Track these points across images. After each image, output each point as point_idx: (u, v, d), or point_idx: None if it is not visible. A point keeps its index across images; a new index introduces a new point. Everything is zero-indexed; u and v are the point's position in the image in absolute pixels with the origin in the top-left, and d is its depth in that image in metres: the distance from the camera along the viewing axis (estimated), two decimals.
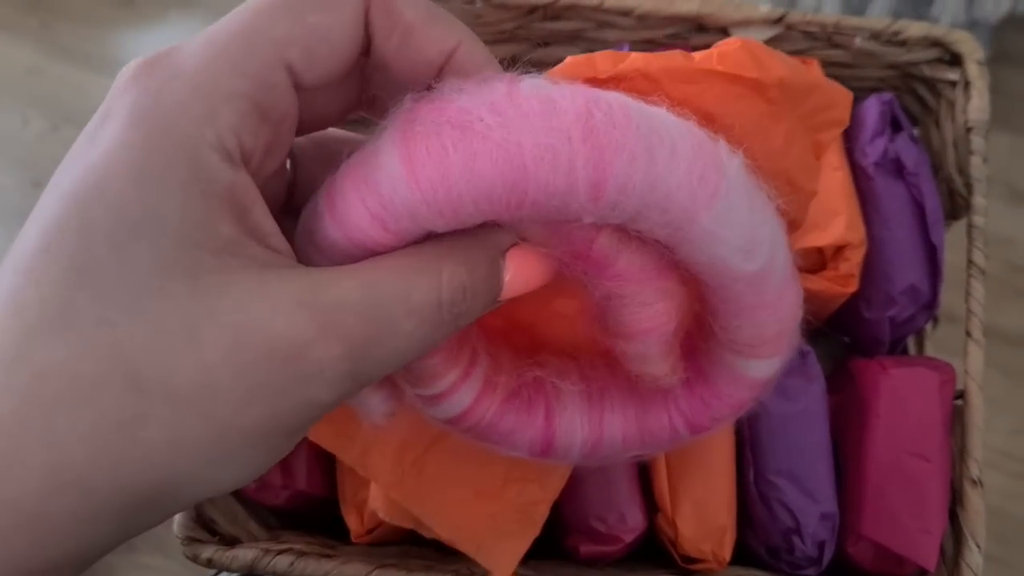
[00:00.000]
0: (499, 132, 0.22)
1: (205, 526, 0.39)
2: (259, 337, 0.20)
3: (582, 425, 0.30)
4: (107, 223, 0.20)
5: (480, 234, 0.24)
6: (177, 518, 0.38)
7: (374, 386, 0.28)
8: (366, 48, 0.24)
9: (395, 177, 0.22)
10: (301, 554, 0.38)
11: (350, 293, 0.21)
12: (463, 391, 0.29)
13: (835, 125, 0.32)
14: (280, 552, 0.38)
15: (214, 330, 0.20)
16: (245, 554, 0.38)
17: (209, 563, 0.38)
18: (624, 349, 0.28)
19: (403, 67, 0.24)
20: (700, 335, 0.29)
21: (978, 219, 0.43)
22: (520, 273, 0.25)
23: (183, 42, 0.22)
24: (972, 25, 0.95)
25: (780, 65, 0.29)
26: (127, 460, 0.20)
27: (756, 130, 0.28)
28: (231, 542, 0.39)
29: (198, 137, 0.20)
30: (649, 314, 0.27)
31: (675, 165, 0.23)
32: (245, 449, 0.21)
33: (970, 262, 0.42)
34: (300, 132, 0.25)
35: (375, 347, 0.22)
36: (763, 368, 0.29)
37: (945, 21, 0.89)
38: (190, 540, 0.38)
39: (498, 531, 0.36)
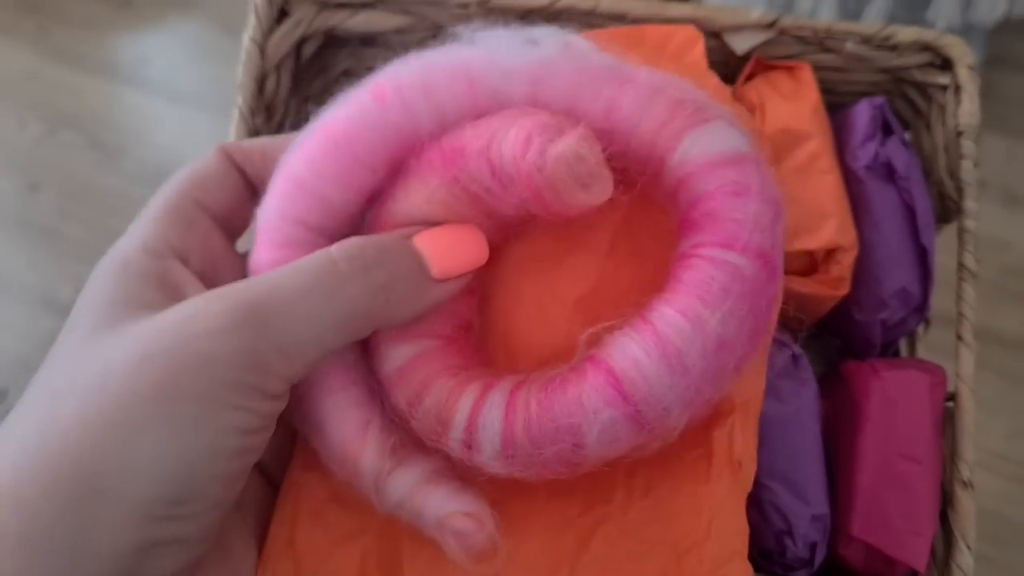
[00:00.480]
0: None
1: None
2: (150, 326, 0.24)
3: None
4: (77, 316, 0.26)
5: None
6: None
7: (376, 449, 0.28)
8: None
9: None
10: None
11: (238, 281, 0.25)
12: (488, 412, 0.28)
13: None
14: None
15: (116, 339, 0.24)
16: None
17: None
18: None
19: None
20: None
21: (969, 223, 0.43)
22: (444, 239, 0.27)
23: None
24: (968, 29, 0.96)
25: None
26: (45, 457, 0.22)
27: None
28: None
29: (128, 250, 0.27)
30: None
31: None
32: (151, 418, 0.22)
33: (961, 265, 0.42)
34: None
35: (262, 303, 0.24)
36: None
37: (941, 25, 0.89)
38: None
39: None
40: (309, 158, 0.27)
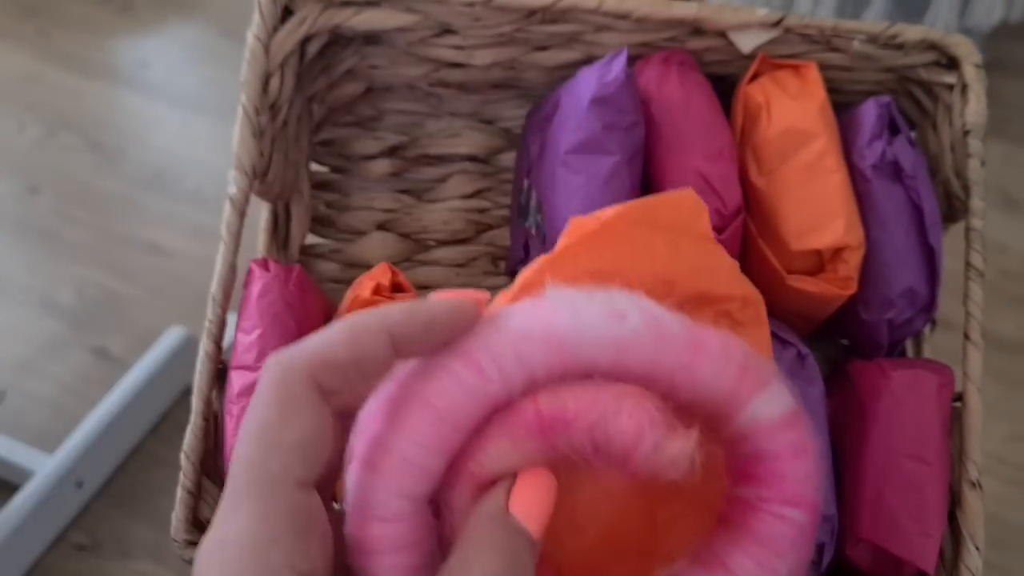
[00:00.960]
0: None
1: (200, 528, 0.39)
2: None
3: None
4: None
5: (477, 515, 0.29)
6: (172, 521, 0.38)
7: None
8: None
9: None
10: None
11: None
12: None
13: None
14: None
15: None
16: None
17: None
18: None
19: None
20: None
21: (976, 222, 0.43)
22: (536, 500, 0.29)
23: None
24: (965, 33, 0.96)
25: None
26: None
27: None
28: None
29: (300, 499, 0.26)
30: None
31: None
32: None
33: (968, 264, 0.42)
34: None
35: None
36: None
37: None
38: (186, 543, 0.38)
39: None
40: (412, 431, 0.28)
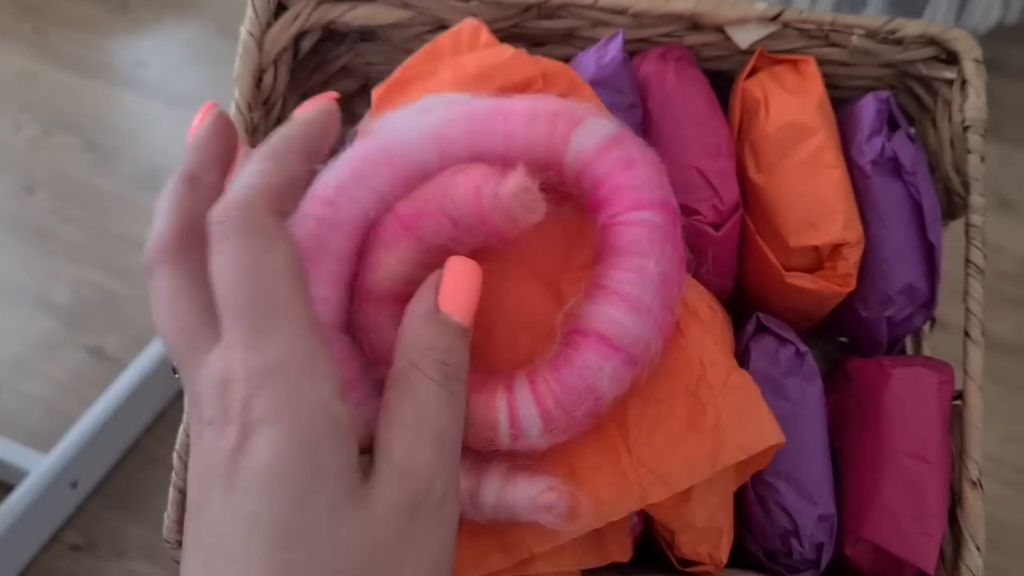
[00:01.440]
0: None
1: None
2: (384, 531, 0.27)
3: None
4: (289, 496, 0.25)
5: (408, 313, 0.31)
6: (165, 521, 0.38)
7: None
8: None
9: None
10: None
11: (404, 458, 0.28)
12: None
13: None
14: None
15: (365, 527, 0.27)
16: None
17: None
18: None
19: None
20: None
21: (975, 218, 0.42)
22: (462, 288, 0.31)
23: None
24: None
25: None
26: None
27: None
28: None
29: (328, 398, 0.27)
30: None
31: None
32: None
33: (968, 261, 0.41)
34: None
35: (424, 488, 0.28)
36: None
37: None
38: (178, 543, 0.38)
39: None
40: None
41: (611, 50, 0.43)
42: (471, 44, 0.41)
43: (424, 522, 0.27)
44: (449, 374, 0.29)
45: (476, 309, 0.31)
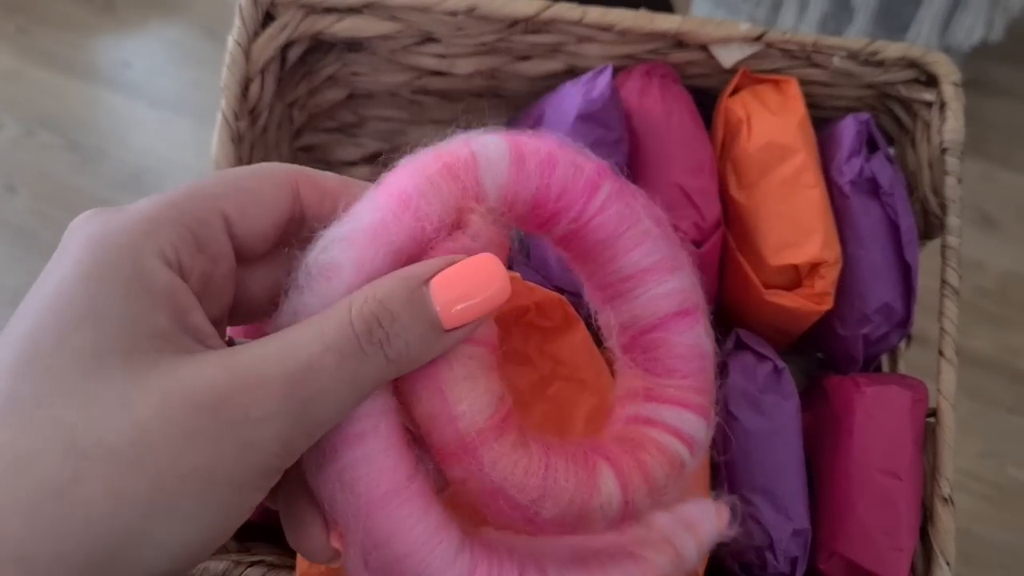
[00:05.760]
0: None
1: None
2: (184, 393, 0.22)
3: None
4: (53, 320, 0.23)
5: (395, 272, 0.26)
6: None
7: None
8: (299, 216, 0.27)
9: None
10: (272, 566, 0.37)
11: (267, 347, 0.24)
12: None
13: None
14: (251, 564, 0.37)
15: (144, 394, 0.22)
16: (216, 566, 0.37)
17: None
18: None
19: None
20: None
21: (952, 239, 0.43)
22: (456, 286, 0.26)
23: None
24: (946, 52, 0.97)
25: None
26: (66, 522, 0.21)
27: None
28: None
29: (141, 245, 0.24)
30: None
31: None
32: (188, 499, 0.22)
33: (943, 282, 0.42)
34: (236, 314, 0.28)
35: (299, 387, 0.23)
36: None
37: None
38: None
39: None
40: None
41: (599, 84, 0.43)
42: None
43: (224, 429, 0.22)
44: (375, 340, 0.24)
45: (471, 334, 0.26)
